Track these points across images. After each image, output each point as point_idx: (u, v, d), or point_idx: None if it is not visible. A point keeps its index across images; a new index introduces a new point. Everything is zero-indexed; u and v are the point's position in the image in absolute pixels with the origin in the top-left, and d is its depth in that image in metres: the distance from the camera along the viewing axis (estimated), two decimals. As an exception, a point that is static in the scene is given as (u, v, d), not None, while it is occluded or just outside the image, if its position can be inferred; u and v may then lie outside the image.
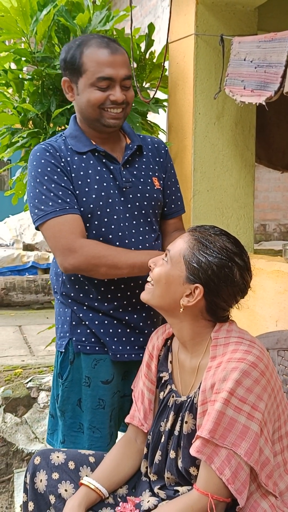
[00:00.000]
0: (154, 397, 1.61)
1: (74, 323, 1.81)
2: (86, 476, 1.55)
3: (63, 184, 1.69)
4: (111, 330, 1.79)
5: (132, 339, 1.81)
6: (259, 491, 1.36)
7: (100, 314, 1.78)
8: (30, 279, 7.00)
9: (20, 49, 2.76)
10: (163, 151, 1.89)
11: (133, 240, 1.78)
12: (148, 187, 1.81)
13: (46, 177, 1.69)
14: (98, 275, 1.70)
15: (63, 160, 1.72)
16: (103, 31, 2.86)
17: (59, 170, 1.70)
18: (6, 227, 8.19)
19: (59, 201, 1.67)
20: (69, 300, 1.81)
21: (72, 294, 1.80)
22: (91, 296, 1.78)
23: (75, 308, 1.80)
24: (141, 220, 1.80)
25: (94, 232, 1.74)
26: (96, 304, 1.78)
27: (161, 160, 1.88)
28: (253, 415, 1.32)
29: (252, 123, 2.82)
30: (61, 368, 1.84)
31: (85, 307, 1.79)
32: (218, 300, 1.44)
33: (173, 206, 1.91)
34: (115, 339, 1.79)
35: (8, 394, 3.21)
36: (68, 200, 1.68)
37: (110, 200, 1.74)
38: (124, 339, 1.79)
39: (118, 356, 1.79)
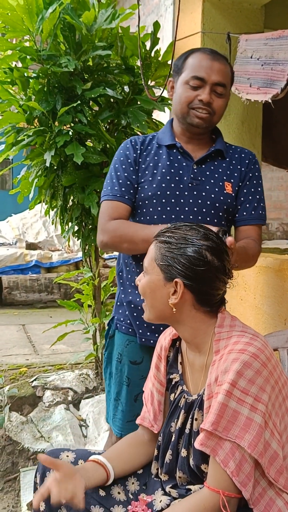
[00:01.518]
0: (163, 398, 1.61)
1: (118, 303, 2.02)
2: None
3: (126, 174, 1.91)
4: (142, 316, 1.84)
5: (161, 328, 1.86)
6: (273, 489, 1.35)
7: (138, 299, 1.91)
8: (33, 278, 7.00)
9: (25, 47, 2.75)
10: (247, 161, 1.96)
11: None
12: (217, 189, 1.88)
13: (117, 165, 1.94)
14: (124, 251, 1.92)
15: (139, 152, 1.93)
16: (108, 29, 2.86)
17: (129, 161, 1.92)
18: (8, 226, 8.19)
19: (115, 188, 1.90)
20: (120, 281, 2.01)
21: (122, 277, 2.00)
22: (133, 283, 1.93)
23: (121, 289, 2.00)
24: (200, 218, 1.86)
25: (155, 217, 1.88)
26: (136, 291, 1.89)
27: (242, 169, 1.94)
28: (256, 406, 1.31)
29: (258, 121, 2.82)
30: (105, 340, 2.08)
31: (128, 290, 1.96)
32: (203, 287, 1.43)
33: (244, 213, 1.94)
34: (145, 325, 1.91)
35: (14, 393, 3.21)
36: (123, 189, 1.90)
37: (168, 193, 1.87)
38: (153, 327, 1.90)
39: (143, 340, 1.91)
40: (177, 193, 1.86)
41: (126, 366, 1.97)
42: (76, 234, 3.19)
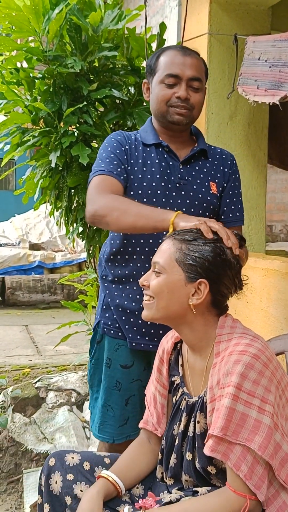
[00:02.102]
0: (166, 401, 1.60)
1: (104, 307, 1.96)
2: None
3: (119, 158, 1.86)
4: (131, 320, 1.89)
5: (152, 331, 1.87)
6: (286, 491, 1.35)
7: (126, 303, 1.89)
8: (36, 278, 7.00)
9: (31, 47, 2.75)
10: (229, 162, 1.98)
11: None
12: (203, 189, 1.89)
13: (109, 148, 1.88)
14: (111, 223, 1.74)
15: (128, 146, 1.89)
16: (114, 30, 2.85)
17: (122, 149, 1.88)
18: (12, 227, 8.19)
19: (110, 166, 1.84)
20: (105, 285, 1.96)
21: (106, 280, 1.95)
22: (120, 286, 1.90)
23: (107, 292, 1.94)
24: None
25: None
26: (123, 294, 1.90)
27: (225, 169, 1.96)
28: (263, 408, 1.30)
29: (265, 123, 2.81)
30: (91, 346, 2.03)
31: (115, 293, 1.91)
32: (222, 288, 1.44)
33: (231, 215, 1.95)
34: (134, 328, 1.89)
35: (17, 394, 3.20)
36: (118, 169, 1.84)
37: (158, 192, 1.85)
38: (143, 330, 1.87)
39: (134, 344, 1.89)
40: (167, 192, 1.85)
41: (116, 371, 1.93)
42: (80, 235, 3.18)
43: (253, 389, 1.30)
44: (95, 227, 3.12)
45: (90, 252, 3.27)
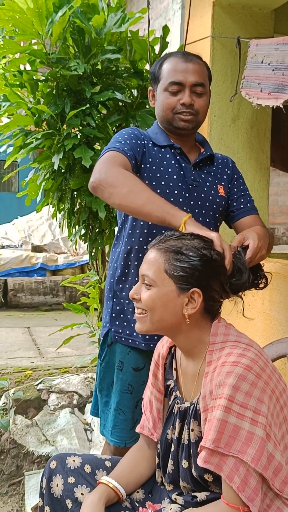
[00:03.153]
0: (162, 406, 1.60)
1: (114, 314, 1.97)
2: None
3: (134, 145, 1.85)
4: None
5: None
6: (281, 498, 1.34)
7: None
8: (38, 280, 7.00)
9: (35, 50, 2.75)
10: (230, 165, 2.04)
11: None
12: (212, 192, 1.94)
13: (126, 136, 1.88)
14: (116, 200, 1.69)
15: (145, 142, 1.90)
16: (117, 33, 2.86)
17: (139, 142, 1.88)
18: (14, 228, 8.20)
19: (125, 148, 1.82)
20: (112, 294, 1.97)
21: (116, 287, 1.96)
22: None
23: (114, 300, 1.96)
24: (200, 219, 1.89)
25: None
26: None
27: (228, 172, 2.02)
28: (256, 419, 1.29)
29: (267, 126, 2.81)
30: (101, 350, 2.03)
31: (127, 301, 1.92)
32: (214, 294, 1.44)
33: (242, 206, 1.99)
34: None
35: (19, 396, 3.20)
36: (131, 153, 1.82)
37: (176, 192, 1.87)
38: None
39: (143, 345, 1.90)
40: (182, 193, 1.89)
41: (128, 374, 1.94)
42: (83, 238, 3.18)
43: (246, 401, 1.29)
44: (97, 230, 3.12)
45: (93, 254, 3.27)
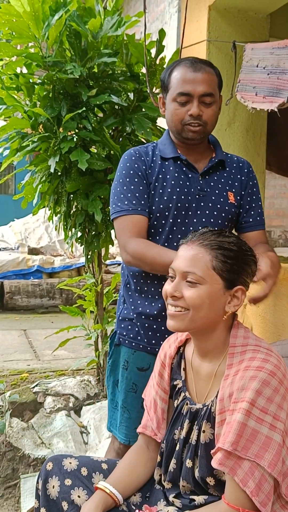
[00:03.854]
0: (167, 406, 1.60)
1: (120, 318, 2.01)
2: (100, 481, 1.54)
3: (140, 188, 1.89)
4: (154, 326, 1.93)
5: (166, 335, 1.86)
6: (279, 502, 1.35)
7: (148, 311, 1.93)
8: (35, 283, 6.99)
9: (31, 53, 2.76)
10: (246, 170, 2.01)
11: None
12: (222, 199, 1.92)
13: (128, 179, 1.90)
14: (147, 270, 1.88)
15: (146, 165, 1.92)
16: (114, 36, 2.87)
17: (140, 174, 1.90)
18: (11, 231, 8.19)
19: (134, 202, 1.88)
20: (129, 293, 1.99)
21: (130, 289, 1.98)
22: (142, 295, 1.94)
23: (130, 300, 1.98)
24: (215, 229, 1.87)
25: (167, 229, 1.89)
26: (146, 302, 1.94)
27: (242, 178, 1.98)
28: (275, 425, 1.30)
29: (263, 129, 2.82)
30: (110, 348, 2.09)
31: (138, 302, 1.95)
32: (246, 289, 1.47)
33: (251, 220, 1.99)
34: (158, 334, 1.92)
35: (15, 399, 3.20)
36: (142, 202, 1.88)
37: (179, 205, 1.88)
38: (164, 335, 1.88)
39: (149, 348, 1.93)
40: (186, 205, 1.88)
41: (133, 373, 1.97)
42: (79, 240, 3.19)
43: (266, 406, 1.30)
44: (93, 232, 3.13)
45: (89, 257, 3.27)
